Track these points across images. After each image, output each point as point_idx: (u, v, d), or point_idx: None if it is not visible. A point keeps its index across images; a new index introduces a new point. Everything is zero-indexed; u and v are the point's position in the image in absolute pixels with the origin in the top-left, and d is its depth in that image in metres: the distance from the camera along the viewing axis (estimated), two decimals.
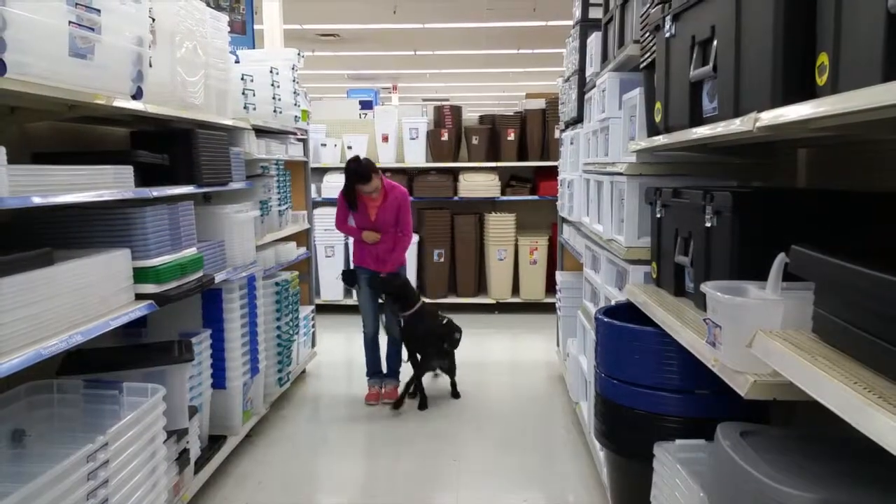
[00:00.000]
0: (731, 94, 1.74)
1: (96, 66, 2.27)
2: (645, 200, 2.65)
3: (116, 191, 2.52)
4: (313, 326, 5.49)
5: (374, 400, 4.59)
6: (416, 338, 4.53)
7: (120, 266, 2.55)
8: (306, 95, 5.68)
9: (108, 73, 2.35)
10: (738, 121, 1.52)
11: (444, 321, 4.69)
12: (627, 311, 2.57)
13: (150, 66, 2.71)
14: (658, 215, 2.50)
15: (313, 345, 5.53)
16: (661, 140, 2.30)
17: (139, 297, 2.65)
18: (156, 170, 2.96)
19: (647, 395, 2.26)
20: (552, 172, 6.59)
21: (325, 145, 7.47)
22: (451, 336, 4.65)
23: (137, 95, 2.55)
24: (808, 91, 1.37)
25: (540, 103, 7.33)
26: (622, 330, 2.38)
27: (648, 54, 2.51)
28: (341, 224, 4.64)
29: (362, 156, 4.46)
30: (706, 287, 1.65)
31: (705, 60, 1.91)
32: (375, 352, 4.73)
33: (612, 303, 2.94)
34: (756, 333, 1.40)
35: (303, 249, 5.23)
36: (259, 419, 4.05)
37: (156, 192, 2.76)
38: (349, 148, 7.46)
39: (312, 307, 5.47)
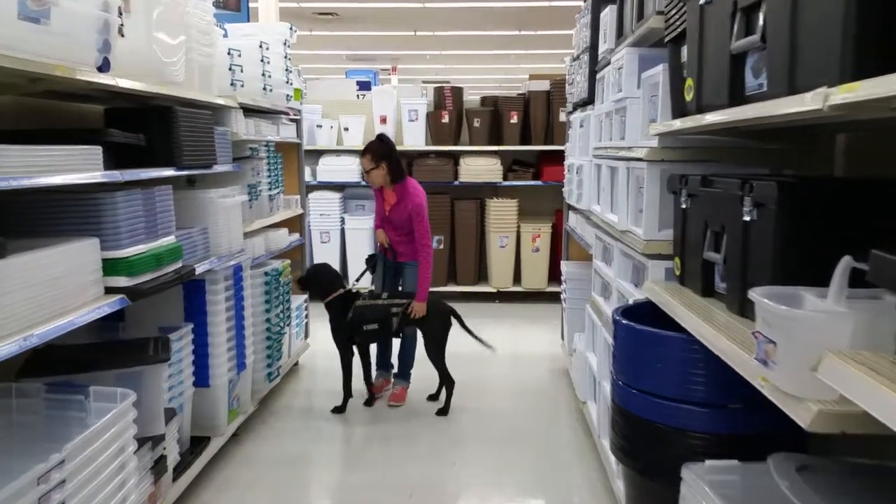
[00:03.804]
0: (784, 67, 1.48)
1: (54, 33, 2.00)
2: (668, 189, 2.41)
3: (83, 174, 2.27)
4: (307, 317, 5.26)
5: (377, 392, 4.36)
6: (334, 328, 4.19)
7: (87, 257, 2.31)
8: (300, 73, 5.40)
9: (68, 42, 2.08)
10: (807, 96, 1.27)
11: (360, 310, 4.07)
12: (647, 311, 2.33)
13: (122, 35, 2.45)
14: (683, 206, 2.25)
15: (306, 336, 5.29)
16: (691, 122, 2.04)
17: (109, 290, 2.41)
18: (132, 151, 2.71)
19: (671, 408, 2.02)
20: (557, 157, 6.34)
21: (320, 126, 7.18)
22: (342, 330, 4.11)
23: (104, 67, 2.29)
24: (890, 62, 1.13)
25: (544, 85, 7.04)
26: (644, 334, 2.14)
27: (677, 25, 2.25)
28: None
29: (369, 138, 4.23)
30: (755, 294, 1.41)
31: (750, 29, 1.66)
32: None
33: (630, 301, 2.70)
34: (825, 355, 1.16)
35: (296, 236, 4.98)
36: (246, 417, 3.81)
37: (128, 175, 2.50)
38: (346, 129, 7.20)
39: (306, 296, 5.22)
